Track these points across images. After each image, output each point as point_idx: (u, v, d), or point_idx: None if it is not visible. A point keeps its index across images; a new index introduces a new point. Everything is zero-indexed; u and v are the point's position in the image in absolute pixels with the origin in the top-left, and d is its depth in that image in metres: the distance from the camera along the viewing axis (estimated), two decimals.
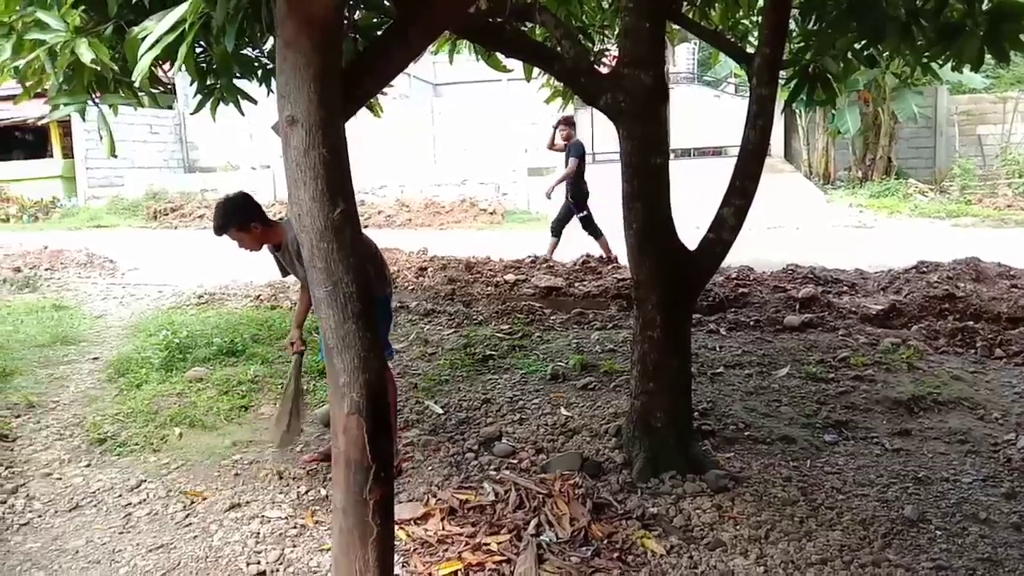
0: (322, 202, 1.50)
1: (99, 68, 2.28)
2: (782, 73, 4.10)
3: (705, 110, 20.73)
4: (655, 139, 3.85)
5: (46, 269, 9.69)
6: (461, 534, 3.24)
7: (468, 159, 18.66)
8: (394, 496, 1.78)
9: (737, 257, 8.25)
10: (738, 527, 3.27)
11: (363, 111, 4.96)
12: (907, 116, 15.29)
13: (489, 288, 7.62)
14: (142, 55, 2.01)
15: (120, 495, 3.96)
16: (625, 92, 3.78)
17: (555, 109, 7.33)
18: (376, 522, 1.60)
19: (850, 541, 3.14)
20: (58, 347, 6.46)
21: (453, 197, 17.41)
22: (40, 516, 3.76)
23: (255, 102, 4.07)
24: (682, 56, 27.12)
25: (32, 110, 17.98)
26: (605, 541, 3.18)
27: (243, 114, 3.56)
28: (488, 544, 3.15)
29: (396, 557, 3.13)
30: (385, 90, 5.07)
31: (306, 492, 3.86)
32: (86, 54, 2.21)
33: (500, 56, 4.58)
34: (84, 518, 3.74)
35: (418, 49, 1.84)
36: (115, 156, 3.05)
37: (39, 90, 2.79)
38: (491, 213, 16.43)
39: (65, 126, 21.34)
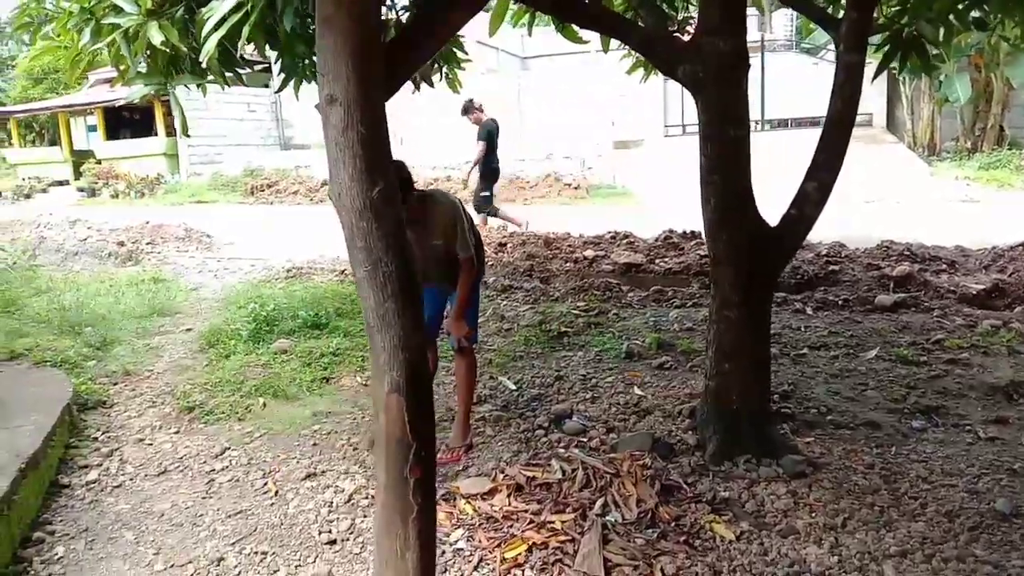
0: (361, 181, 1.48)
1: (168, 50, 2.32)
2: (874, 39, 3.87)
3: (803, 79, 19.88)
4: (734, 110, 3.70)
5: (148, 243, 10.17)
6: (526, 511, 3.23)
7: (554, 133, 18.50)
8: (435, 475, 1.77)
9: (829, 232, 7.92)
10: (813, 515, 3.14)
11: (444, 87, 4.98)
12: (1022, 82, 14.24)
13: (567, 264, 7.55)
14: (206, 35, 2.03)
15: (205, 461, 4.13)
16: (703, 61, 3.64)
17: (636, 80, 7.16)
18: (417, 501, 1.60)
19: (933, 534, 2.97)
20: (155, 318, 6.78)
21: (537, 172, 17.34)
22: (131, 479, 3.97)
23: None
24: (779, 23, 26.04)
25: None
26: (672, 524, 3.11)
27: None
28: (553, 522, 3.13)
29: (461, 531, 3.19)
30: (464, 65, 5.07)
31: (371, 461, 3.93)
32: (156, 36, 2.26)
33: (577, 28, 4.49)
34: (171, 482, 3.92)
35: (459, 23, 1.81)
36: (187, 135, 3.14)
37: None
38: (575, 188, 16.29)
39: (168, 105, 22.28)
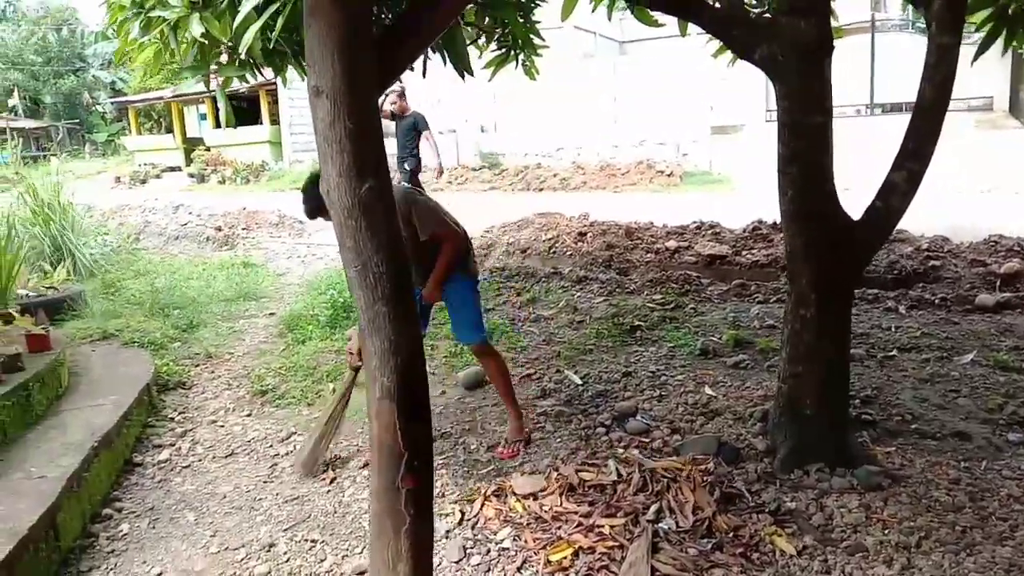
0: (349, 177, 1.41)
1: (207, 42, 2.31)
2: (977, 16, 3.53)
3: (918, 60, 18.68)
4: (816, 95, 3.44)
5: (243, 228, 10.55)
6: (576, 513, 3.13)
7: (649, 119, 18.10)
8: (432, 488, 1.69)
9: (934, 224, 7.39)
10: (886, 531, 2.90)
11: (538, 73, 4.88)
12: None
13: (648, 255, 7.33)
14: (237, 26, 2.00)
15: (271, 445, 4.21)
16: (782, 44, 3.41)
17: (738, 64, 6.84)
18: (409, 511, 1.52)
19: (1022, 561, 2.69)
20: (241, 302, 7.00)
21: (630, 159, 17.03)
22: (200, 460, 4.08)
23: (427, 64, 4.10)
24: (894, 1, 24.61)
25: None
26: (730, 534, 2.94)
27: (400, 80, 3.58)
28: (602, 527, 3.01)
29: (509, 530, 3.11)
30: (539, 51, 4.94)
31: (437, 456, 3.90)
32: (196, 28, 2.25)
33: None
34: (237, 465, 4.01)
35: (453, 11, 1.70)
36: (233, 126, 3.17)
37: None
38: (668, 175, 15.92)
39: (272, 94, 23.08)
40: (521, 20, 4.31)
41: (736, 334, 5.04)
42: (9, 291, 5.14)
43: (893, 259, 6.36)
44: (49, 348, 4.44)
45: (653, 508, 3.09)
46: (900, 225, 3.65)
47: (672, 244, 7.45)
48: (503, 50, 4.40)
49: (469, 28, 4.27)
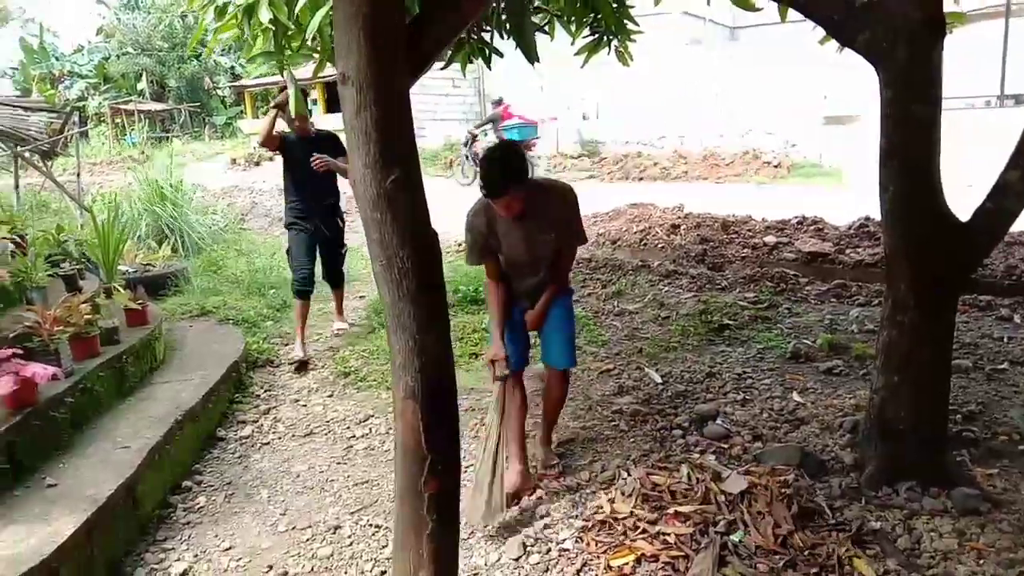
0: (375, 168, 1.35)
1: (274, 28, 2.31)
2: None
3: None
4: (923, 84, 3.18)
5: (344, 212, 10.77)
6: (643, 518, 3.01)
7: (757, 107, 17.43)
8: (458, 492, 1.62)
9: None
10: (980, 561, 2.66)
11: (639, 62, 4.74)
12: None
13: (745, 250, 7.04)
14: (299, 10, 1.99)
15: (348, 427, 4.27)
16: (888, 29, 3.16)
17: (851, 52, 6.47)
18: (431, 517, 1.46)
19: None
20: None
21: (735, 148, 16.47)
22: (280, 438, 4.18)
23: (501, 55, 4.06)
24: None
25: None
26: (805, 553, 2.76)
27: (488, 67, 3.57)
28: (668, 534, 2.89)
29: (572, 531, 3.03)
30: (633, 37, 4.79)
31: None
32: (264, 14, 2.25)
33: None
34: (313, 445, 4.09)
35: None
36: (303, 113, 3.18)
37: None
38: (775, 166, 15.31)
39: None
40: (614, 5, 4.18)
41: (831, 338, 4.76)
42: (114, 267, 5.41)
43: (1011, 263, 5.87)
44: (146, 323, 4.65)
45: (724, 519, 2.94)
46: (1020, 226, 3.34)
47: (771, 239, 7.13)
48: (595, 36, 4.29)
49: (555, 14, 4.20)
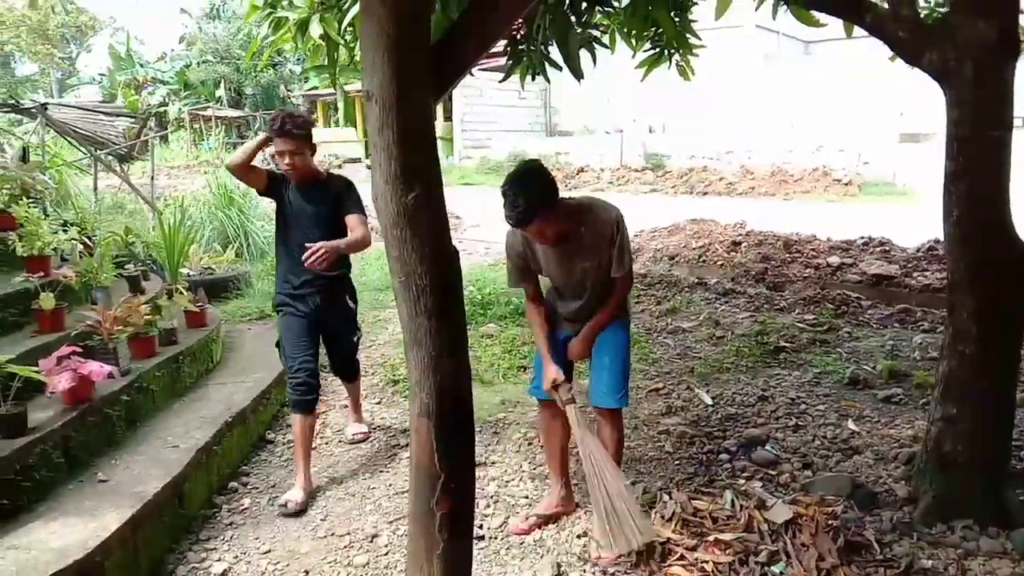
0: (395, 185, 1.35)
1: (325, 43, 2.35)
2: None
3: None
4: (993, 105, 3.06)
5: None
6: (680, 544, 2.95)
7: (830, 123, 17.02)
8: (472, 512, 1.60)
9: None
10: None
11: (709, 75, 4.68)
12: None
13: (807, 271, 6.85)
14: (345, 26, 2.01)
15: (394, 435, 4.30)
16: (956, 47, 3.04)
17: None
18: (443, 536, 1.45)
19: None
20: (389, 292, 7.23)
21: (805, 165, 16.09)
22: (327, 443, 4.24)
23: (560, 68, 4.06)
24: None
25: None
26: None
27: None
28: (706, 562, 2.82)
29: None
30: (695, 51, 4.73)
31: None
32: (315, 29, 2.29)
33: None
34: (359, 451, 4.13)
35: (515, 12, 1.58)
36: (350, 125, 3.22)
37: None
38: (846, 184, 14.90)
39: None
40: (676, 19, 4.13)
41: (892, 364, 4.59)
42: (178, 269, 5.58)
43: None
44: (205, 324, 4.78)
45: (766, 549, 2.86)
46: None
47: (835, 260, 6.92)
48: (657, 50, 4.25)
49: (616, 28, 4.17)
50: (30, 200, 4.54)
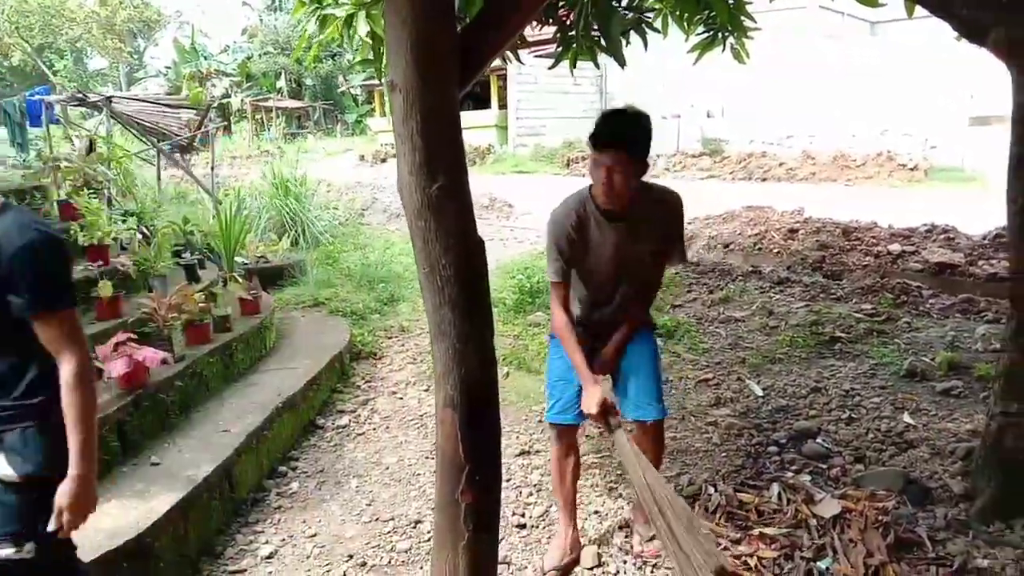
0: (419, 176, 1.35)
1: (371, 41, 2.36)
2: None
3: None
4: None
5: None
6: (725, 536, 2.90)
7: (895, 106, 16.44)
8: (498, 504, 1.59)
9: None
10: None
11: (769, 58, 4.55)
12: None
13: (867, 259, 6.64)
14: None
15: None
16: (1022, 26, 2.92)
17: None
18: (468, 527, 1.45)
19: None
20: None
21: (869, 149, 15.58)
22: (374, 429, 4.30)
23: (609, 53, 4.02)
24: None
25: None
26: None
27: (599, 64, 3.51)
28: (751, 556, 2.77)
29: (647, 547, 2.95)
30: (750, 34, 4.61)
31: (593, 452, 3.81)
32: (362, 26, 2.30)
33: None
34: (405, 437, 4.17)
35: (538, 1, 1.54)
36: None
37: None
38: (911, 169, 14.38)
39: (502, 78, 23.74)
40: (730, 2, 4.03)
41: (952, 356, 4.42)
42: (234, 257, 5.71)
43: None
44: (258, 312, 4.88)
45: (813, 545, 2.80)
46: None
47: (896, 248, 6.69)
48: (709, 33, 4.16)
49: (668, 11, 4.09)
50: (91, 191, 4.69)
